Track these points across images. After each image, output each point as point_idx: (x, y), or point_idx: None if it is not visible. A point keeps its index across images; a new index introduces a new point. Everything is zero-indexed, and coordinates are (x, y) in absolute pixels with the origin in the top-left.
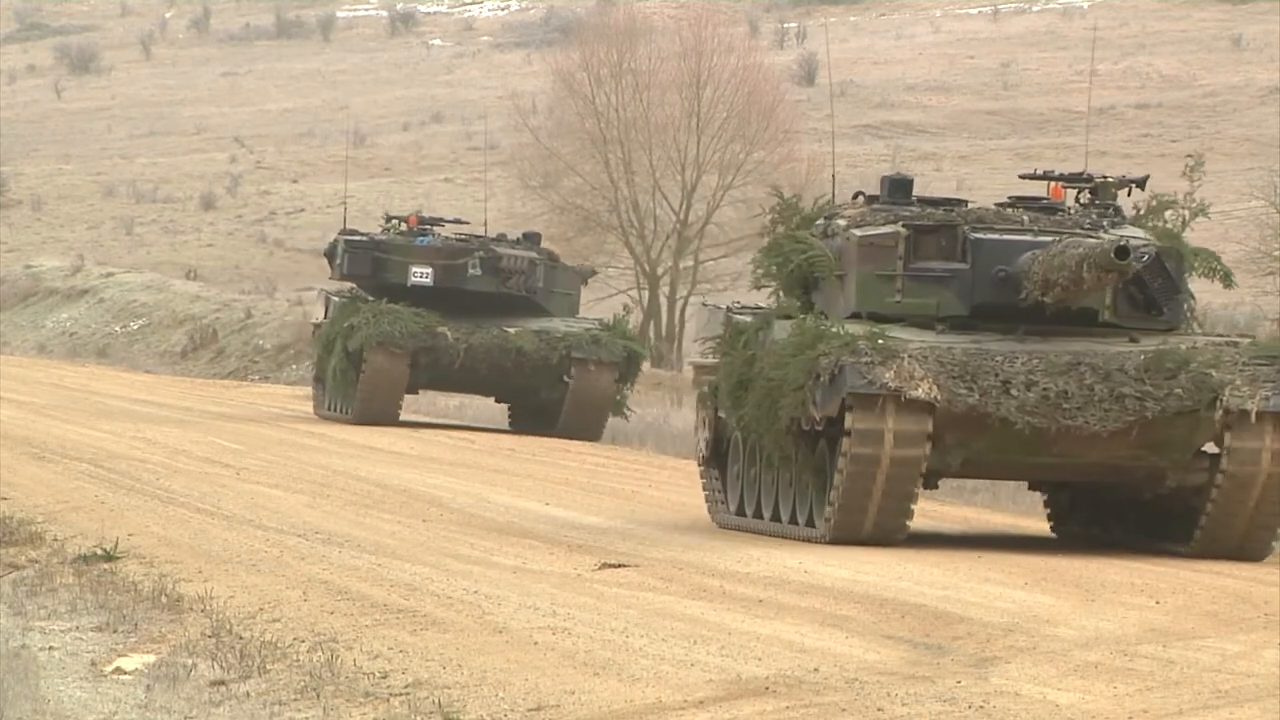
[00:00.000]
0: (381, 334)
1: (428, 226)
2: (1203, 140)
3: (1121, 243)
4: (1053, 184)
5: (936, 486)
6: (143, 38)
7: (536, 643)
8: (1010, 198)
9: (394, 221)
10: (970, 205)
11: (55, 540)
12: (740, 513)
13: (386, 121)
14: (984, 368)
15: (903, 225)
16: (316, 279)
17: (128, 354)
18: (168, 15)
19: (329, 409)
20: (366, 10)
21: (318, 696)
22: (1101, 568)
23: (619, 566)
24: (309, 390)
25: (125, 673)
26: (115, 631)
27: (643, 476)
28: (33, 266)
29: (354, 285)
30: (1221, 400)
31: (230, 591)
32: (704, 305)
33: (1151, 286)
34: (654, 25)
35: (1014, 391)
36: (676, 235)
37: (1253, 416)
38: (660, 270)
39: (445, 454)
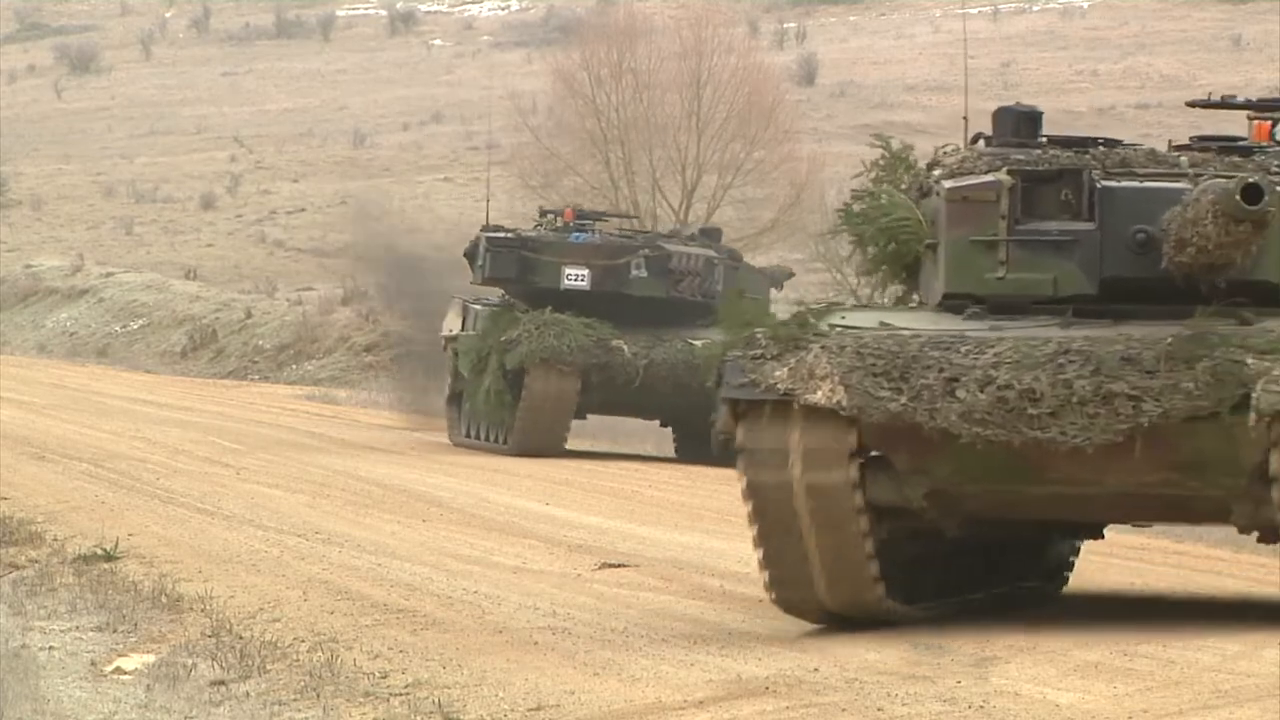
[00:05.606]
0: (547, 349)
1: (586, 222)
2: None
3: (1251, 180)
4: (1256, 120)
5: (951, 532)
6: (143, 38)
7: (536, 643)
8: (1194, 138)
9: (548, 216)
10: (1125, 145)
11: (55, 540)
12: None
13: (386, 121)
14: (926, 360)
15: (1008, 172)
16: (316, 279)
17: (128, 354)
18: (168, 15)
19: (472, 435)
20: (366, 10)
21: (318, 696)
22: (1101, 567)
23: (619, 566)
24: (309, 390)
25: (125, 673)
26: (115, 631)
27: (643, 477)
28: (33, 266)
29: (504, 291)
30: (1254, 399)
31: (230, 591)
32: None
33: None
34: (654, 25)
35: (961, 393)
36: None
37: None
38: None
39: (445, 454)
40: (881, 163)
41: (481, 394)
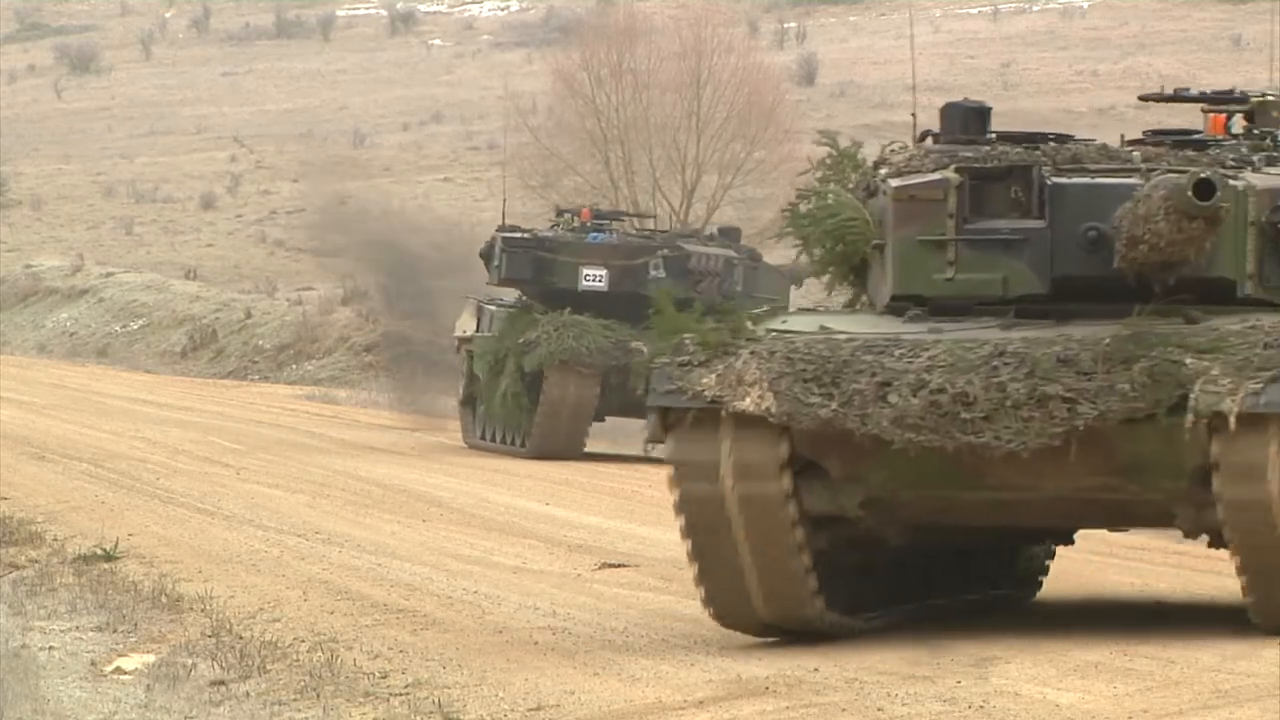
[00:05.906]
0: (566, 350)
1: (604, 221)
2: None
3: (1203, 176)
4: (1211, 114)
5: (892, 543)
6: (143, 38)
7: (536, 643)
8: (1147, 132)
9: (565, 216)
10: (1077, 141)
11: (55, 540)
12: None
13: (386, 121)
14: (858, 365)
15: (955, 169)
16: (316, 279)
17: (128, 354)
18: (168, 15)
19: (486, 438)
20: (366, 10)
21: (318, 696)
22: (1101, 567)
23: (619, 566)
24: (309, 390)
25: (125, 673)
26: (115, 631)
27: (642, 477)
28: (33, 266)
29: (520, 293)
30: (1192, 400)
31: (230, 591)
32: None
33: None
34: (654, 25)
35: (893, 397)
36: None
37: (1231, 422)
38: None
39: (445, 454)
40: (829, 161)
41: (498, 397)
